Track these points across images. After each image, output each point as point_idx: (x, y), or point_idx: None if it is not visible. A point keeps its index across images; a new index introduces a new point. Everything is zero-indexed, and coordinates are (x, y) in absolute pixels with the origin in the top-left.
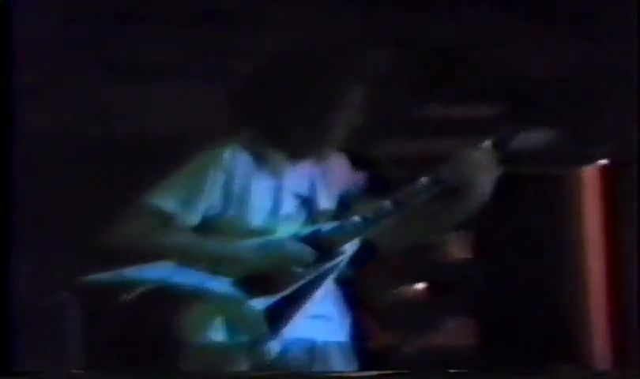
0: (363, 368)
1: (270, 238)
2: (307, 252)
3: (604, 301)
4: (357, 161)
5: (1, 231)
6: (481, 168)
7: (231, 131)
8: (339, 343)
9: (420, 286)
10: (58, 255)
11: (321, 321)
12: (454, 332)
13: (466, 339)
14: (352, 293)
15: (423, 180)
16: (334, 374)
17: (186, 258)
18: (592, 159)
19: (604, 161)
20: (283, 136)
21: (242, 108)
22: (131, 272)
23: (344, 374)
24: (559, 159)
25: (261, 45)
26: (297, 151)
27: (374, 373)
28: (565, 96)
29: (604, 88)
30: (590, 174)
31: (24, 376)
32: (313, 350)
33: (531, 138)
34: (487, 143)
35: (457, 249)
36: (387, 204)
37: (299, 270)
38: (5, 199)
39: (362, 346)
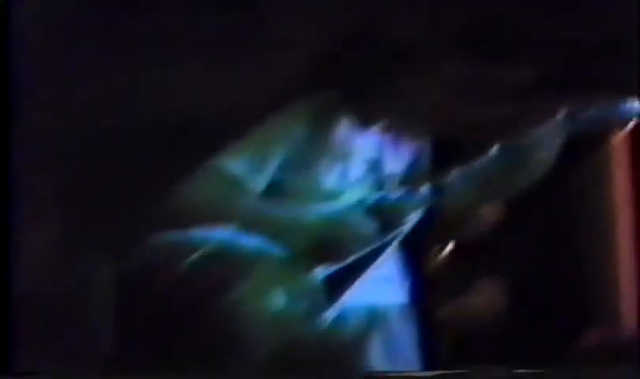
0: (418, 332)
1: (334, 208)
2: (369, 227)
3: (631, 272)
4: (429, 129)
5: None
6: (551, 137)
7: (305, 93)
8: (399, 306)
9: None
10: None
11: (381, 284)
12: (487, 296)
13: (498, 304)
14: (411, 256)
15: (495, 149)
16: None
17: (249, 223)
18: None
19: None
20: (357, 101)
21: (317, 70)
22: (193, 233)
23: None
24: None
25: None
26: (370, 116)
27: (434, 373)
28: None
29: None
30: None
31: (24, 376)
32: (372, 315)
33: (602, 108)
34: (561, 113)
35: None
36: (457, 173)
37: (359, 244)
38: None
39: (417, 309)
